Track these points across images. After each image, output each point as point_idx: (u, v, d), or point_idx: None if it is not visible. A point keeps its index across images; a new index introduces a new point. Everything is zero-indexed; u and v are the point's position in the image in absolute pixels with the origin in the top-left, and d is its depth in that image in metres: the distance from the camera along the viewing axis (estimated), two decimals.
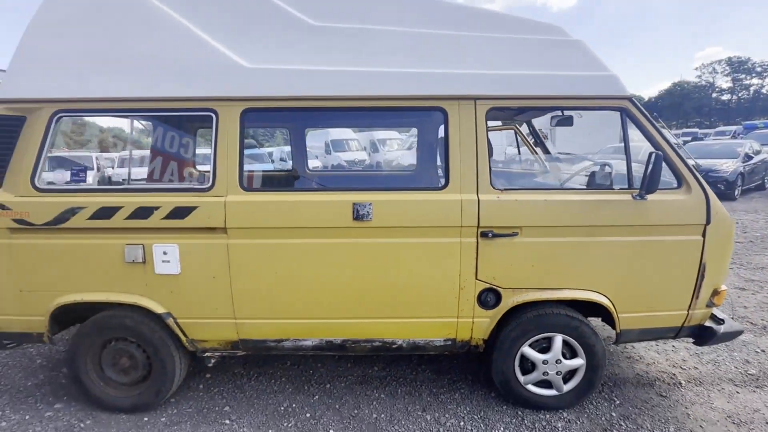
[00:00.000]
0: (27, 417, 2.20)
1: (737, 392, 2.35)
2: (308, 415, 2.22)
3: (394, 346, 2.16)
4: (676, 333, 2.16)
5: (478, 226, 1.98)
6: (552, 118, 2.60)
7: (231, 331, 2.12)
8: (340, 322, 2.11)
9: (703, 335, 2.14)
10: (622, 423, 2.10)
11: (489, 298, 2.06)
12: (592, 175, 2.12)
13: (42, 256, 2.03)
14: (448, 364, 2.67)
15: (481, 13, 2.13)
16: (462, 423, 2.13)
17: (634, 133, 2.05)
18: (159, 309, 2.07)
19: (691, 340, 2.24)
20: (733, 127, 22.68)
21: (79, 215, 1.98)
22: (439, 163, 2.38)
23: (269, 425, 2.14)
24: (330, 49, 2.05)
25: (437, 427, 2.11)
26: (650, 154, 1.85)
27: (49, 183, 2.09)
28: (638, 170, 1.99)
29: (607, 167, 2.21)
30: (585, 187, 2.13)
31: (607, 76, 2.03)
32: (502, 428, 2.08)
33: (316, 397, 2.37)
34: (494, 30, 2.08)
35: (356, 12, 2.11)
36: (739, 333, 2.19)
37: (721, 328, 2.11)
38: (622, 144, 2.06)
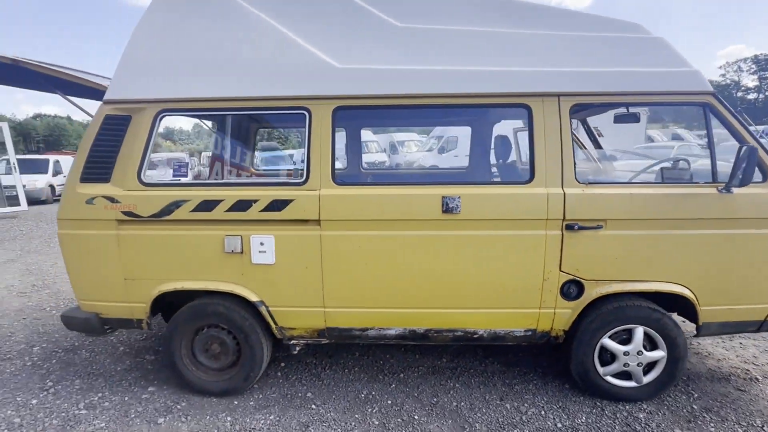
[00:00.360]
0: (126, 398, 2.34)
1: None
2: (389, 402, 2.29)
3: (475, 336, 2.23)
4: (758, 327, 2.16)
5: (564, 219, 2.03)
6: (615, 115, 2.64)
7: (319, 319, 2.21)
8: (424, 311, 2.19)
9: None
10: (706, 415, 2.11)
11: (571, 289, 2.11)
12: (673, 169, 2.15)
13: (147, 246, 2.17)
14: (514, 356, 2.71)
15: (562, 12, 2.19)
16: (543, 412, 2.17)
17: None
18: (253, 297, 2.18)
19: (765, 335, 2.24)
20: (762, 127, 21.98)
21: (182, 208, 2.11)
22: (513, 158, 2.44)
23: (354, 410, 2.22)
24: (415, 49, 2.14)
25: (518, 415, 2.16)
26: (741, 149, 1.88)
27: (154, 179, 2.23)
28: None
29: (684, 162, 2.23)
30: (661, 181, 2.16)
31: (690, 72, 2.06)
32: (584, 418, 2.12)
33: (393, 385, 2.45)
34: (575, 28, 2.13)
35: (439, 13, 2.19)
36: None
37: None
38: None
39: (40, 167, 13.21)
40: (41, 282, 4.41)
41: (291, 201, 2.08)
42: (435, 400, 2.30)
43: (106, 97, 2.16)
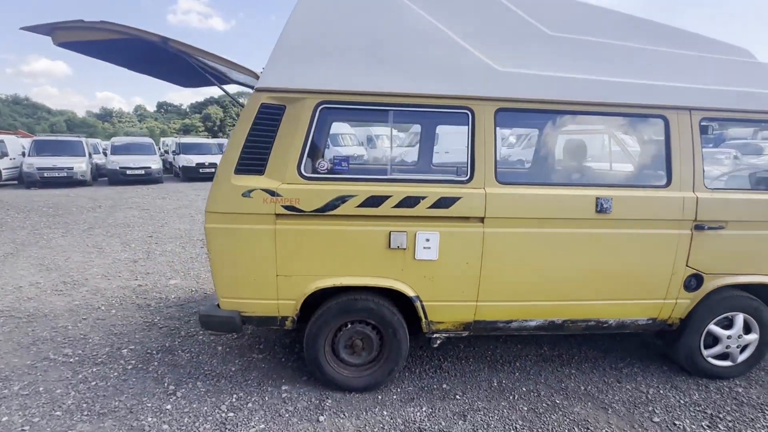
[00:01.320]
0: (266, 398, 2.26)
1: None
2: (524, 389, 2.44)
3: (604, 326, 2.43)
4: None
5: (695, 220, 2.29)
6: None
7: (469, 312, 2.29)
8: (565, 304, 2.35)
9: None
10: None
11: (692, 282, 2.38)
12: None
13: (306, 241, 2.11)
14: (609, 344, 2.98)
15: (693, 35, 2.43)
16: (661, 391, 2.44)
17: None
18: (410, 292, 2.21)
19: None
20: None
21: (349, 203, 2.08)
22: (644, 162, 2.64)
23: (497, 398, 2.34)
24: (565, 56, 2.27)
25: (640, 393, 2.41)
26: None
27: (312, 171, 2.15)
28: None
29: None
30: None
31: None
32: (696, 395, 2.41)
33: (516, 374, 2.60)
34: (703, 50, 2.38)
35: (584, 25, 2.34)
36: None
37: None
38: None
39: None
40: (70, 279, 3.98)
41: (458, 198, 2.13)
42: (563, 385, 2.49)
43: (261, 84, 2.05)
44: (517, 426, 2.12)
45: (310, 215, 2.08)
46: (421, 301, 2.24)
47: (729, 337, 2.48)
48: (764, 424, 2.18)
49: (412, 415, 2.18)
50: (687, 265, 2.34)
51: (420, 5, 2.17)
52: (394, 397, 2.34)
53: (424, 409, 2.24)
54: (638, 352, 2.87)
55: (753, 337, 2.50)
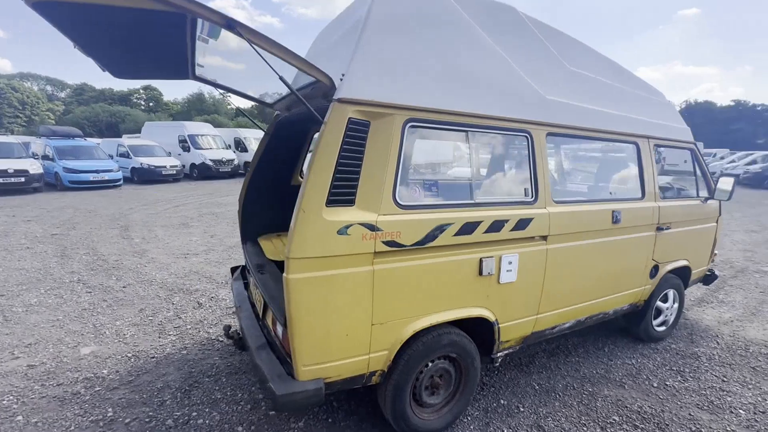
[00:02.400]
0: None
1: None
2: (560, 385, 2.69)
3: (606, 316, 2.90)
4: (705, 280, 3.70)
5: (658, 223, 2.95)
6: None
7: (530, 326, 2.39)
8: (588, 303, 2.70)
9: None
10: (695, 336, 3.48)
11: (654, 271, 3.07)
12: (685, 189, 3.41)
13: (404, 280, 1.82)
14: (594, 335, 3.54)
15: (641, 80, 3.11)
16: (639, 360, 3.06)
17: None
18: (492, 317, 2.16)
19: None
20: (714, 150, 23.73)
21: (446, 232, 1.90)
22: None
23: (548, 400, 2.52)
24: (579, 89, 2.60)
25: (629, 366, 2.96)
26: (718, 178, 3.26)
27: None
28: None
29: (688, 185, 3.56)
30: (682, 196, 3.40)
31: (686, 128, 3.36)
32: (658, 357, 3.12)
33: (543, 372, 2.84)
34: (647, 91, 3.10)
35: (587, 63, 2.72)
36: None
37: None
38: None
39: None
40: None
41: (531, 219, 2.19)
42: (581, 373, 2.85)
43: (345, 94, 1.67)
44: (583, 420, 2.34)
45: (410, 250, 1.81)
46: (498, 324, 2.22)
47: (668, 308, 3.30)
48: (706, 366, 2.99)
49: None
50: (652, 258, 3.01)
51: (488, 34, 2.15)
52: (472, 426, 2.25)
53: (505, 430, 2.23)
54: (601, 332, 3.52)
55: (676, 305, 3.40)
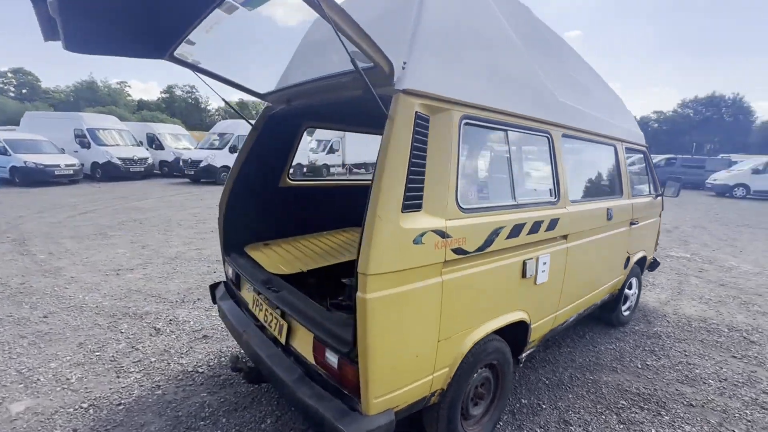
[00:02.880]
0: None
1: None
2: (565, 377, 2.80)
3: (595, 307, 3.11)
4: (650, 265, 4.21)
5: (631, 219, 3.25)
6: None
7: (550, 324, 2.43)
8: (587, 297, 2.85)
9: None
10: (652, 319, 3.93)
11: (626, 262, 3.38)
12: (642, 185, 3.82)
13: (467, 289, 1.69)
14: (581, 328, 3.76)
15: (617, 94, 3.39)
16: (617, 345, 3.34)
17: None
18: (528, 319, 2.14)
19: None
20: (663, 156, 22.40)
21: (500, 235, 1.81)
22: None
23: (562, 394, 2.60)
24: (575, 92, 2.73)
25: (612, 350, 3.22)
26: (666, 180, 3.72)
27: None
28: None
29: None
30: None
31: (641, 133, 3.77)
32: (631, 340, 3.45)
33: (546, 366, 2.94)
34: (615, 97, 3.39)
35: (578, 66, 2.88)
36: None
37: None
38: None
39: None
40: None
41: (558, 219, 2.22)
42: (578, 362, 3.01)
43: (410, 85, 1.49)
44: (599, 409, 2.46)
45: (472, 256, 1.69)
46: (530, 325, 2.21)
47: (632, 294, 3.68)
48: (669, 343, 3.38)
49: None
50: (626, 251, 3.31)
51: (513, 31, 2.11)
52: (507, 431, 2.21)
53: (538, 431, 2.23)
54: (581, 324, 3.78)
55: (637, 291, 3.81)
